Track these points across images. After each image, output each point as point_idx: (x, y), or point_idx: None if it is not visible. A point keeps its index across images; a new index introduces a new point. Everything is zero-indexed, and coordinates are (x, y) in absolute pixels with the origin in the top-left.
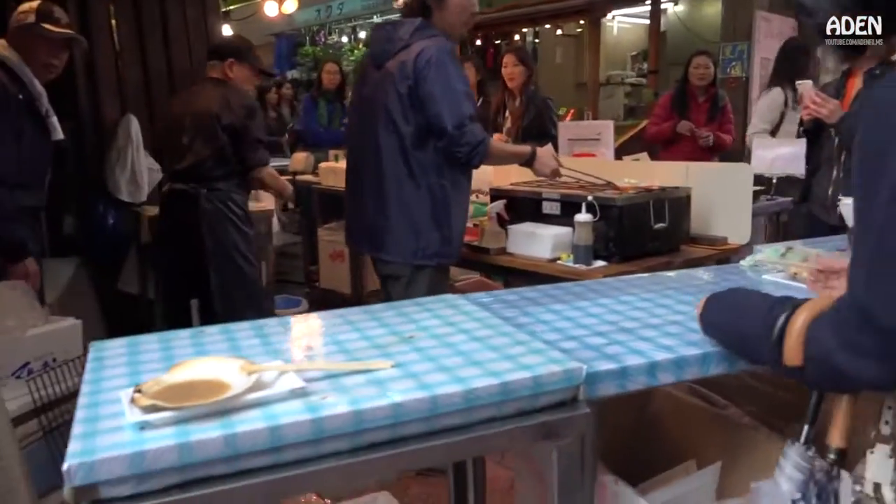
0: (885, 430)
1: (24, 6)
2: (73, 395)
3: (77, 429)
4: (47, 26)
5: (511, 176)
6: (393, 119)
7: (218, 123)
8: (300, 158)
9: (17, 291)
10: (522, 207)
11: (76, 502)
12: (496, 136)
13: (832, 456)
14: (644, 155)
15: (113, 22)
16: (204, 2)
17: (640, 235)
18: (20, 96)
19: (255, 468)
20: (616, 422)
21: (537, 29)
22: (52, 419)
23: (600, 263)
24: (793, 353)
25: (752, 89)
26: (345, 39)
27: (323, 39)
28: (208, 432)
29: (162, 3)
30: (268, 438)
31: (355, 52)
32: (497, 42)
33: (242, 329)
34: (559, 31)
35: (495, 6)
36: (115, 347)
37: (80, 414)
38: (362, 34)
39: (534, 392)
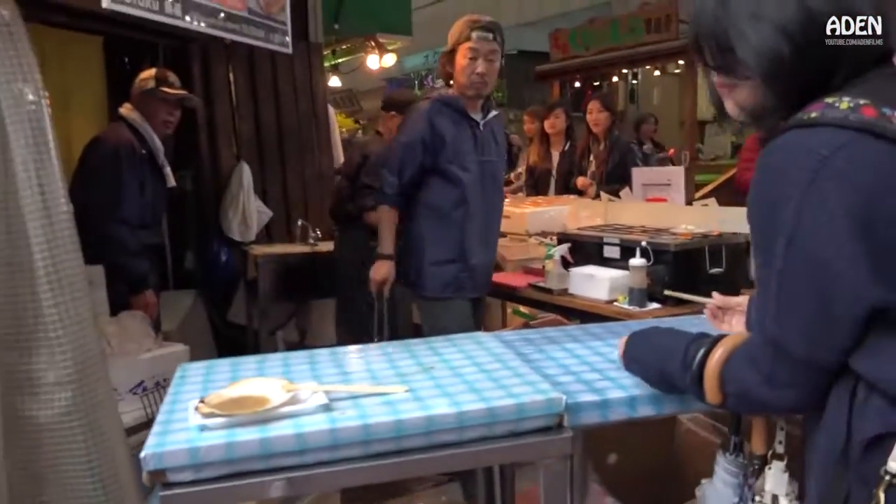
0: (780, 448)
1: (144, 74)
2: None
3: (155, 428)
4: (165, 89)
5: (580, 220)
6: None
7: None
8: None
9: (136, 320)
10: (586, 251)
11: (151, 484)
12: (580, 179)
13: (756, 462)
14: (712, 200)
15: (231, 81)
16: (310, 62)
17: (693, 279)
18: (143, 151)
19: (283, 466)
20: (642, 458)
21: (636, 70)
22: None
23: (654, 306)
24: (712, 391)
25: None
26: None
27: (430, 83)
28: (248, 435)
29: (273, 64)
30: (294, 443)
31: None
32: (596, 84)
33: (297, 357)
34: (657, 72)
35: (592, 50)
36: (197, 368)
37: (159, 417)
38: None
39: (518, 417)
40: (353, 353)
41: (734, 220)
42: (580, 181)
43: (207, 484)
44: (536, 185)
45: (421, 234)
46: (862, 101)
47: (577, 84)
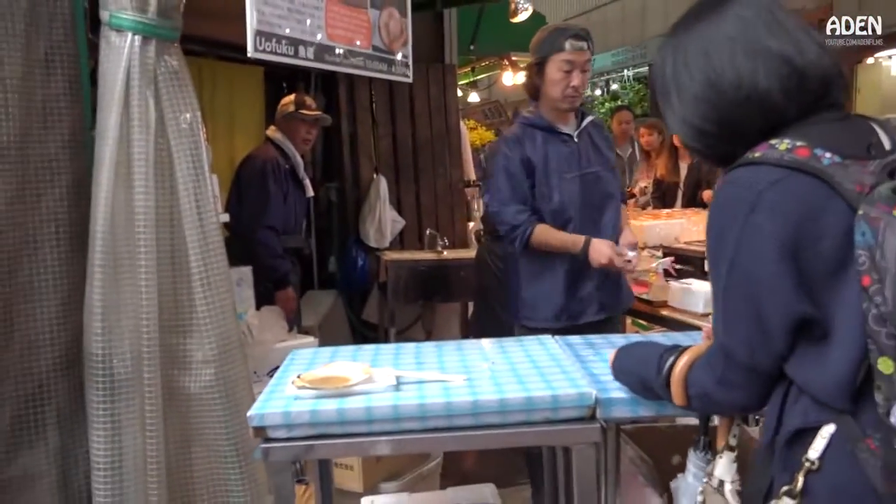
0: (732, 441)
1: (286, 100)
2: None
3: (262, 396)
4: (303, 111)
5: (694, 234)
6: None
7: None
8: None
9: (274, 314)
10: (690, 264)
11: (255, 436)
12: (706, 192)
13: (719, 457)
14: None
15: (372, 102)
16: (444, 82)
17: None
18: (287, 166)
19: (356, 433)
20: None
21: None
22: None
23: None
24: (678, 394)
25: None
26: (598, 92)
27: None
28: (329, 405)
29: (411, 85)
30: (364, 414)
31: (606, 104)
32: None
33: (386, 348)
34: None
35: None
36: (305, 353)
37: (266, 388)
38: (614, 87)
39: (553, 406)
40: (431, 348)
41: None
42: (706, 194)
43: (297, 442)
44: (664, 198)
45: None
46: (798, 143)
47: None
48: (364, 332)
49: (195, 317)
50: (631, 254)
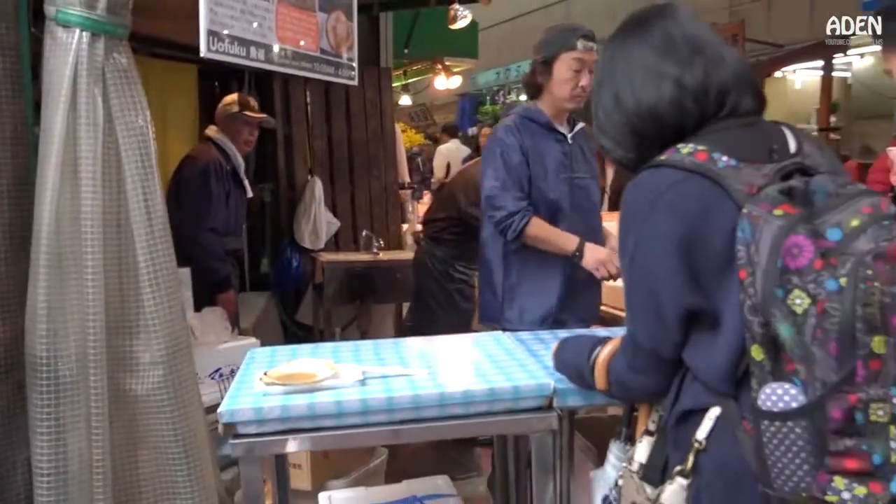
0: (651, 426)
1: (228, 99)
2: None
3: (229, 393)
4: (247, 113)
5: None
6: None
7: (452, 199)
8: None
9: (216, 315)
10: None
11: (225, 433)
12: None
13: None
14: None
15: (307, 103)
16: (380, 85)
17: None
18: (228, 167)
19: (326, 426)
20: None
21: None
22: None
23: None
24: (600, 379)
25: None
26: (522, 98)
27: (502, 98)
28: (299, 400)
29: (346, 87)
30: (334, 408)
31: None
32: None
33: (345, 346)
34: None
35: None
36: (264, 352)
37: (232, 385)
38: None
39: (514, 397)
40: (389, 345)
41: None
42: None
43: (267, 437)
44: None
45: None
46: (699, 148)
47: None
48: (297, 334)
49: (142, 318)
50: None
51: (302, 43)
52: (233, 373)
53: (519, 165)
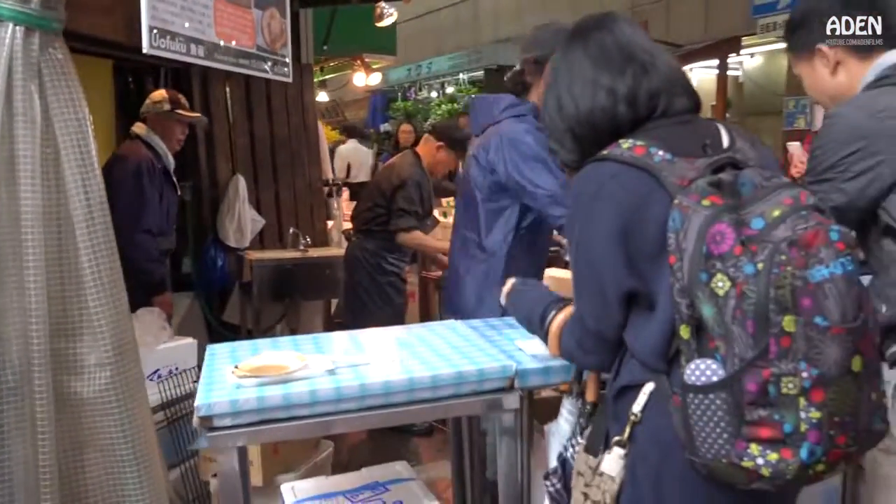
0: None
1: (157, 96)
2: (189, 395)
3: (201, 388)
4: (181, 112)
5: None
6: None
7: (379, 189)
8: None
9: (153, 315)
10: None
11: (201, 426)
12: None
13: (588, 407)
14: None
15: (228, 99)
16: (302, 81)
17: None
18: (160, 166)
19: (300, 416)
20: None
21: None
22: (173, 413)
23: None
24: (553, 347)
25: None
26: (434, 95)
27: (413, 95)
28: (274, 391)
29: (267, 82)
30: (308, 397)
31: (442, 106)
32: None
33: (304, 339)
34: None
35: None
36: (223, 347)
37: (202, 381)
38: (449, 90)
39: (479, 379)
40: (348, 336)
41: None
42: None
43: (243, 428)
44: None
45: None
46: (638, 143)
47: None
48: (224, 334)
49: (86, 319)
50: None
51: (239, 40)
52: (171, 373)
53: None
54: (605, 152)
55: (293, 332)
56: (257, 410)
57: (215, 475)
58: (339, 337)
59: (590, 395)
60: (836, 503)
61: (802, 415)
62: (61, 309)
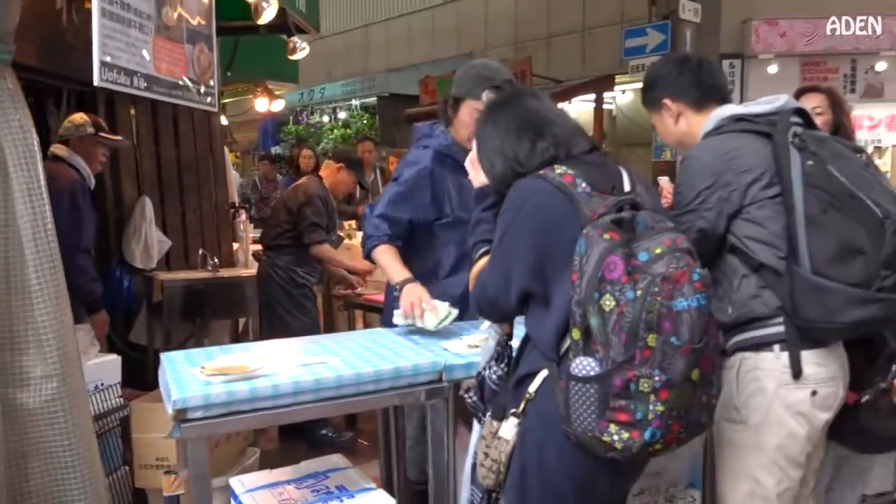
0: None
1: (78, 119)
2: (116, 409)
3: (173, 387)
4: (104, 135)
5: None
6: None
7: (284, 206)
8: None
9: (83, 332)
10: None
11: (176, 419)
12: None
13: (505, 336)
14: None
15: (134, 122)
16: None
17: None
18: (87, 187)
19: (263, 407)
20: None
21: None
22: (101, 427)
23: None
24: (471, 284)
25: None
26: (325, 119)
27: (305, 119)
28: (241, 387)
29: (174, 106)
30: (271, 391)
31: (335, 130)
32: None
33: (257, 345)
34: None
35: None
36: (178, 355)
37: (171, 381)
38: (342, 115)
39: (414, 373)
40: (291, 343)
41: None
42: None
43: (213, 419)
44: None
45: None
46: (568, 171)
47: None
48: (130, 355)
49: (32, 332)
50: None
51: (174, 73)
52: (97, 389)
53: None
54: (541, 172)
55: None
56: (226, 403)
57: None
58: (286, 343)
59: (506, 328)
60: (700, 465)
61: (650, 407)
62: (8, 324)
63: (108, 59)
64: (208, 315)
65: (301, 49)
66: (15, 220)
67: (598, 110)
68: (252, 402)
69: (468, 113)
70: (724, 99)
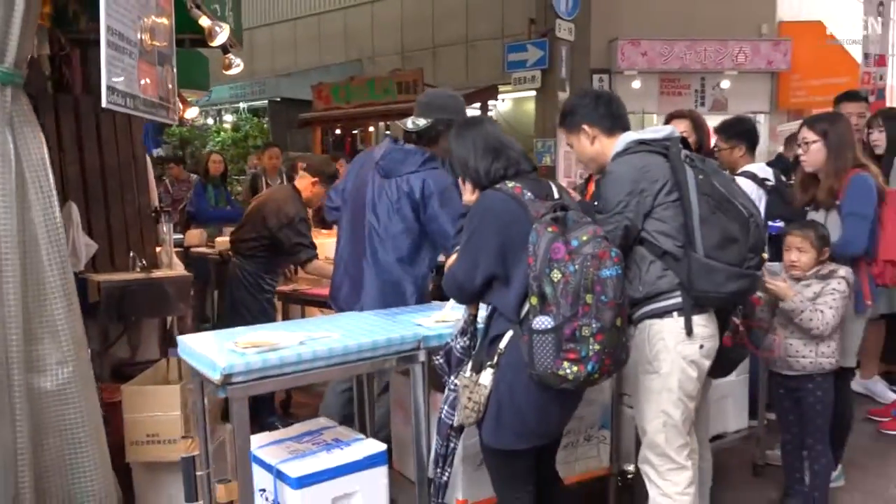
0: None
1: None
2: None
3: (217, 356)
4: None
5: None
6: (378, 214)
7: (264, 223)
8: (195, 234)
9: None
10: None
11: (222, 383)
12: None
13: (471, 315)
14: None
15: (58, 129)
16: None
17: None
18: None
19: (288, 372)
20: None
21: (388, 123)
22: None
23: None
24: (446, 267)
25: (559, 175)
26: (210, 121)
27: (189, 122)
28: (271, 355)
29: (97, 113)
30: (294, 358)
31: (221, 133)
32: (353, 132)
33: (272, 325)
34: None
35: (353, 103)
36: (194, 337)
37: (209, 354)
38: (228, 118)
39: (400, 342)
40: (293, 324)
41: None
42: None
43: (251, 383)
44: (324, 223)
45: None
46: (518, 185)
47: (338, 131)
48: None
49: (48, 325)
50: None
51: (152, 92)
52: None
53: None
54: (498, 186)
55: (134, 349)
56: (261, 369)
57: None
58: (287, 324)
59: (472, 309)
60: (609, 412)
61: (591, 347)
62: (26, 317)
63: (112, 84)
64: (142, 314)
65: (237, 66)
66: (32, 225)
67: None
68: (280, 368)
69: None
70: (626, 127)
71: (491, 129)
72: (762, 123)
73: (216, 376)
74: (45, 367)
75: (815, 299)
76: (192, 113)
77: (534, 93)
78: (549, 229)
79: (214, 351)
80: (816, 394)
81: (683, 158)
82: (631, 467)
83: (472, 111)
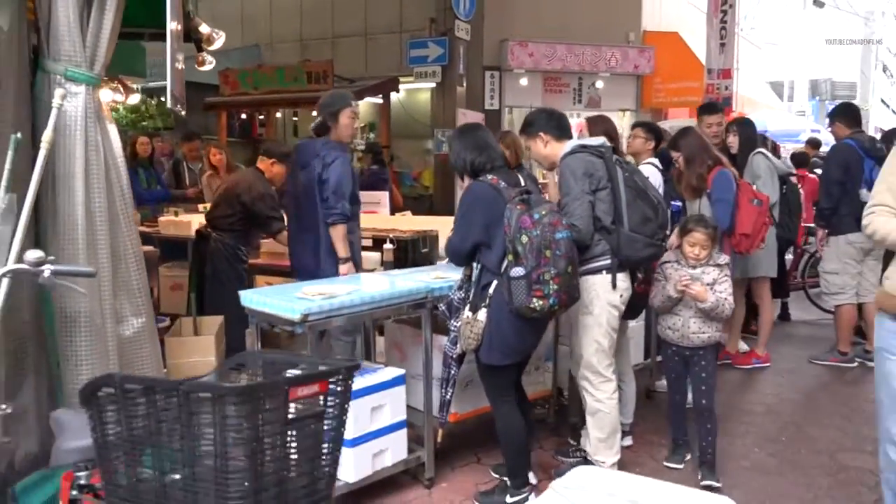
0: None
1: None
2: None
3: (294, 303)
4: None
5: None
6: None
7: (239, 199)
8: None
9: None
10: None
11: (301, 321)
12: None
13: (465, 276)
14: (408, 212)
15: None
16: None
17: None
18: None
19: (344, 312)
20: None
21: (296, 110)
22: None
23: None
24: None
25: None
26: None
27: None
28: (332, 301)
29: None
30: (348, 302)
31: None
32: (260, 117)
33: (314, 283)
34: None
35: (261, 90)
36: (259, 291)
37: (286, 300)
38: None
39: (417, 292)
40: (331, 281)
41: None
42: None
43: (321, 320)
44: None
45: None
46: (494, 176)
47: (244, 116)
48: None
49: (124, 283)
50: None
51: (179, 88)
52: None
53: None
54: (480, 178)
55: None
56: (327, 311)
57: None
58: (329, 281)
59: (466, 271)
60: (552, 348)
61: (551, 287)
62: (113, 278)
63: (172, 90)
64: None
65: (210, 63)
66: (114, 201)
67: (385, 107)
68: (339, 310)
69: (347, 116)
70: (570, 136)
71: (481, 134)
72: (626, 119)
73: (296, 317)
74: (123, 318)
75: (713, 285)
76: (134, 99)
77: (431, 84)
78: (518, 207)
79: (287, 300)
80: (710, 360)
81: (614, 160)
82: (566, 392)
83: (374, 101)
